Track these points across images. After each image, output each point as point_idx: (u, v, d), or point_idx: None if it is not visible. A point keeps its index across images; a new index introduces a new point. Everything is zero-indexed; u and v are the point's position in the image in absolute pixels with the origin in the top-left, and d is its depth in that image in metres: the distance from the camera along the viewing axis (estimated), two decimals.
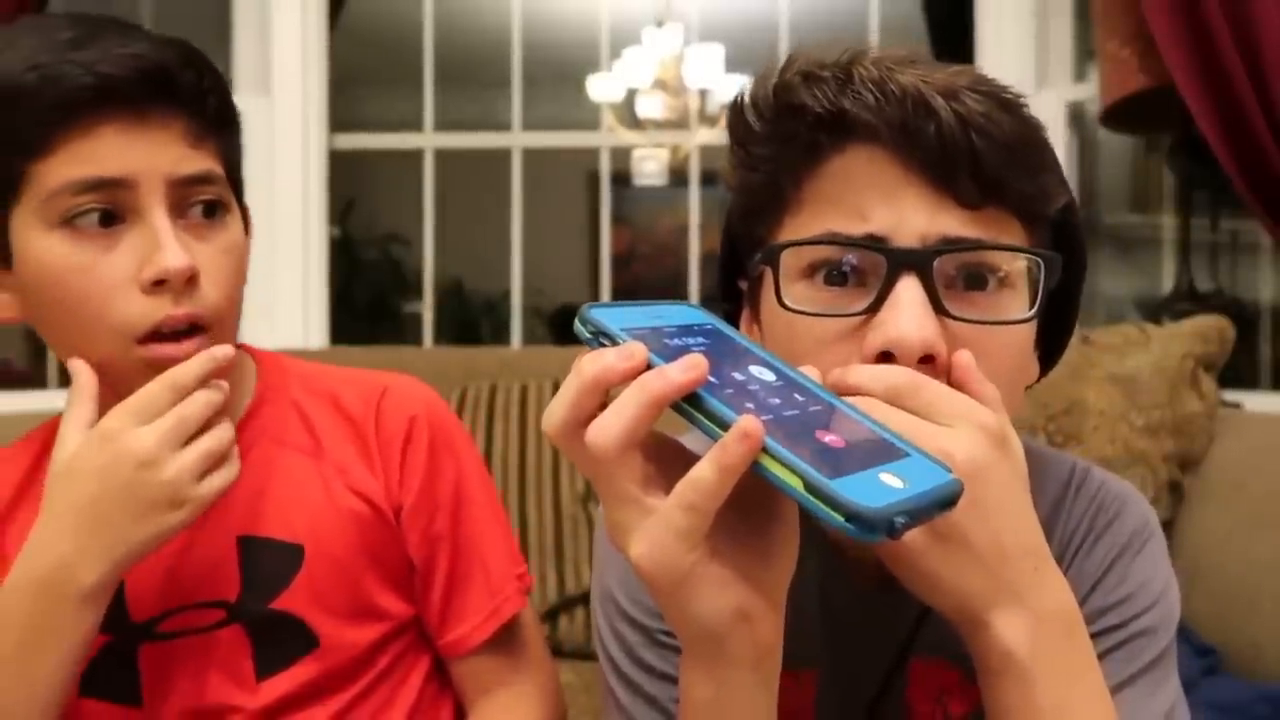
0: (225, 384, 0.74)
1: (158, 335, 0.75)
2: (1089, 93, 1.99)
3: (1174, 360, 1.48)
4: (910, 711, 0.68)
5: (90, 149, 0.73)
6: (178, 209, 0.76)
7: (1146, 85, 1.71)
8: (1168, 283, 2.07)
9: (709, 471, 0.42)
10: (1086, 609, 0.64)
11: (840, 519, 0.39)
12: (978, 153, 0.55)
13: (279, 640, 0.83)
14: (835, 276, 0.58)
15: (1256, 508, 1.36)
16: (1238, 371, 1.66)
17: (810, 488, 0.40)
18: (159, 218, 0.74)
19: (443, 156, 2.52)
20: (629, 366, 0.45)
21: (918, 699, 0.68)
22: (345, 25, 2.46)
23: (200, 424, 0.72)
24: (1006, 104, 0.56)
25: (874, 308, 0.56)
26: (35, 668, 0.72)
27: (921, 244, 0.56)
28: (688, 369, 0.44)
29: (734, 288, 0.70)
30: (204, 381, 0.73)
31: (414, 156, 2.51)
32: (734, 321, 0.70)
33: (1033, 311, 0.59)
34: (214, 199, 0.78)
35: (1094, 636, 0.63)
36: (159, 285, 0.74)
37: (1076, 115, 2.10)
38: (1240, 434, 1.47)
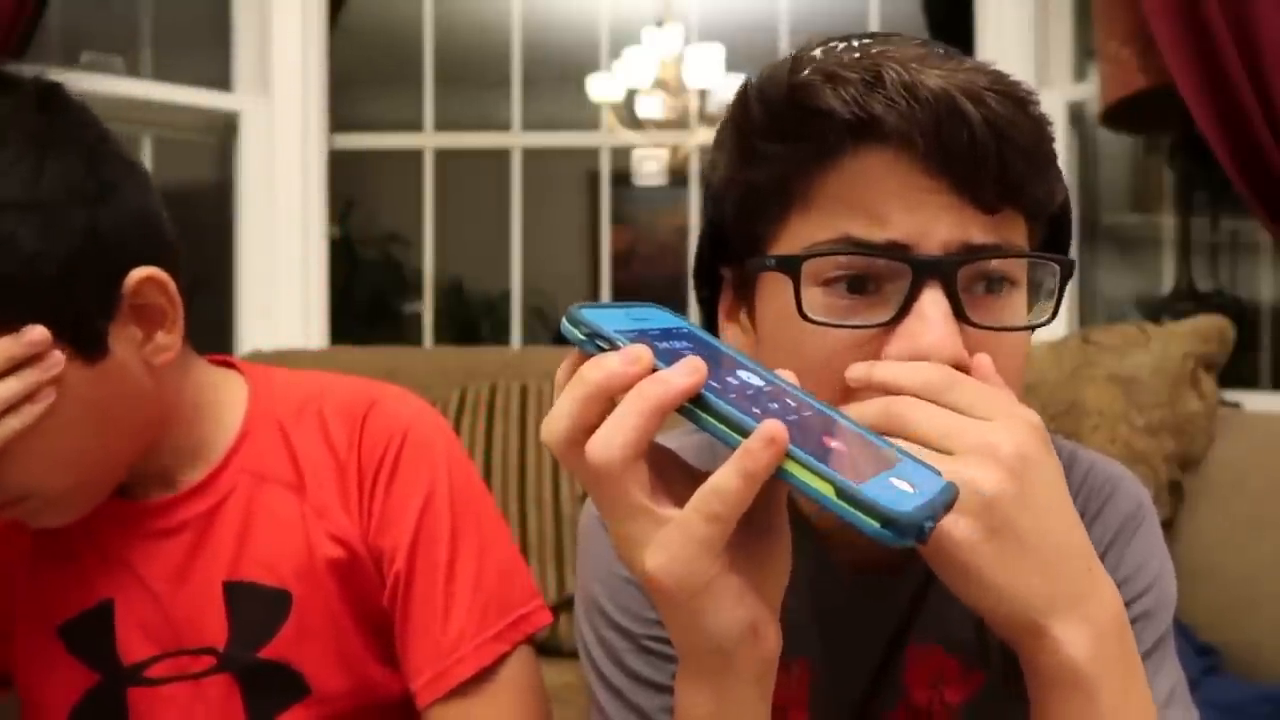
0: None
1: None
2: (1089, 93, 1.99)
3: (1174, 360, 1.48)
4: (907, 699, 0.67)
5: None
6: None
7: (1146, 85, 1.71)
8: (1168, 283, 2.07)
9: (734, 478, 0.41)
10: None
11: (875, 525, 0.39)
12: (1004, 158, 0.54)
13: (270, 689, 0.80)
14: (855, 283, 0.56)
15: (1256, 508, 1.36)
16: (1238, 371, 1.66)
17: (842, 494, 0.39)
18: None
19: (443, 156, 2.51)
20: (636, 372, 0.43)
21: (914, 686, 0.67)
22: (345, 25, 2.47)
23: None
24: (1023, 103, 0.55)
25: (898, 318, 0.55)
26: None
27: (944, 251, 0.55)
28: (689, 373, 0.42)
29: (712, 273, 0.68)
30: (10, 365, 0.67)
31: (414, 156, 2.51)
32: (713, 306, 0.69)
33: (1052, 315, 0.59)
34: None
35: None
36: None
37: (1076, 115, 2.10)
38: (1240, 434, 1.47)
